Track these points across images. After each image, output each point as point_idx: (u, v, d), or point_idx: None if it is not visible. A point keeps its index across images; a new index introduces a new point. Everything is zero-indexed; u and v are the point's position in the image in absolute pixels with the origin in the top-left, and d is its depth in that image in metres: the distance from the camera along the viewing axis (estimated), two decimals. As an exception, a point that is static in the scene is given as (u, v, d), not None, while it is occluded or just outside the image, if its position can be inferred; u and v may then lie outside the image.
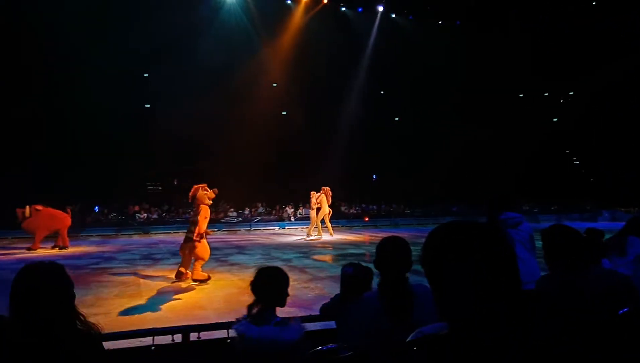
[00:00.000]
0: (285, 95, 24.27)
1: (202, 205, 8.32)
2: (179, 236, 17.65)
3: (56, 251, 13.05)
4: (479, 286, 0.95)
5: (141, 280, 8.52)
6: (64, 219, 13.45)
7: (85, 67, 18.12)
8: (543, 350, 0.92)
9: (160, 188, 24.52)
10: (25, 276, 1.82)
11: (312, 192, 15.98)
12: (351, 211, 24.53)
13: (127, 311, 6.30)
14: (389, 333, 2.42)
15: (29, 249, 12.91)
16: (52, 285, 1.81)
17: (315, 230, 16.06)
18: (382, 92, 26.82)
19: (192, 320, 5.54)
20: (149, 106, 22.85)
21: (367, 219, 23.34)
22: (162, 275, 9.08)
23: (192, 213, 8.91)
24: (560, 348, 0.94)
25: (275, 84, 24.35)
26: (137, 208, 20.96)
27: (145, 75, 22.28)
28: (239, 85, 22.05)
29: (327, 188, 15.96)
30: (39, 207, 12.98)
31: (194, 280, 8.12)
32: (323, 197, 15.75)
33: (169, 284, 8.11)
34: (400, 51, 23.69)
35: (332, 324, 3.18)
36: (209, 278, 8.22)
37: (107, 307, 6.45)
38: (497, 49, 23.61)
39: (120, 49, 18.95)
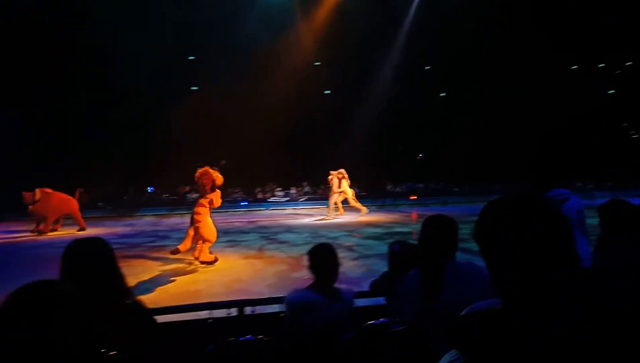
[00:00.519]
0: (325, 73, 24.12)
1: (207, 188, 8.17)
2: (228, 216, 18.19)
3: (80, 232, 13.01)
4: (534, 261, 0.95)
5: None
6: (73, 203, 13.29)
7: (128, 50, 18.52)
8: (609, 327, 0.91)
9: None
10: (76, 250, 1.90)
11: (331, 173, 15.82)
12: (397, 189, 24.33)
13: (182, 287, 6.61)
14: (431, 310, 2.45)
15: (39, 232, 12.73)
16: (101, 260, 1.90)
17: (336, 209, 15.89)
18: (428, 67, 26.11)
19: (245, 295, 5.75)
20: (195, 88, 23.34)
21: (414, 197, 23.09)
22: (214, 252, 9.42)
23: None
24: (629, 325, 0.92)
25: (318, 63, 24.22)
26: (187, 189, 21.67)
27: (191, 58, 22.72)
28: (278, 64, 22.04)
29: (339, 170, 15.62)
30: (48, 190, 12.67)
31: (201, 262, 7.98)
32: (334, 180, 15.52)
33: (222, 261, 8.40)
34: (441, 24, 22.79)
35: (381, 300, 3.23)
36: (216, 260, 8.07)
37: (164, 283, 6.78)
38: (547, 20, 22.33)
39: (165, 32, 19.35)
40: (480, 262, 1.22)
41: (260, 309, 3.21)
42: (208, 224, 8.04)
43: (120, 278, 1.97)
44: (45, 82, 18.58)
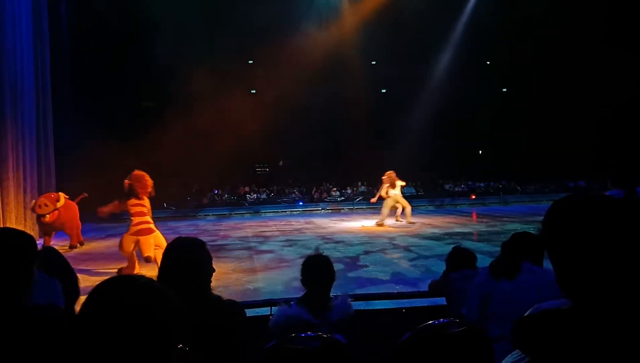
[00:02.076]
0: (381, 72, 23.92)
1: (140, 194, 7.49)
2: (287, 215, 18.51)
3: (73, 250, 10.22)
4: (614, 262, 0.91)
5: (255, 256, 9.11)
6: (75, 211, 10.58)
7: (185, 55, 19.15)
8: None
9: (267, 169, 25.71)
10: (180, 247, 2.06)
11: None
12: (456, 188, 23.71)
13: (243, 285, 6.81)
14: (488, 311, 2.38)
15: (72, 247, 10.40)
16: (203, 257, 2.04)
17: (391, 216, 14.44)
18: (488, 63, 25.23)
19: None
20: (254, 91, 23.90)
21: (474, 197, 22.41)
22: (273, 251, 9.63)
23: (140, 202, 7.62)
24: None
25: (374, 62, 24.09)
26: (247, 189, 22.26)
27: (250, 62, 23.29)
28: (334, 63, 22.05)
29: (387, 173, 14.29)
30: (64, 195, 10.16)
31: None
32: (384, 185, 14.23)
33: (280, 260, 8.56)
34: (502, 16, 21.83)
35: (440, 301, 3.18)
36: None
37: (225, 281, 7.01)
38: (619, 8, 20.82)
39: (225, 36, 19.90)
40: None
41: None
42: (147, 239, 7.39)
43: (209, 277, 2.10)
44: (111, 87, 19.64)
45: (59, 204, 9.59)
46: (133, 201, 7.48)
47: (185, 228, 14.61)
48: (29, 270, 1.58)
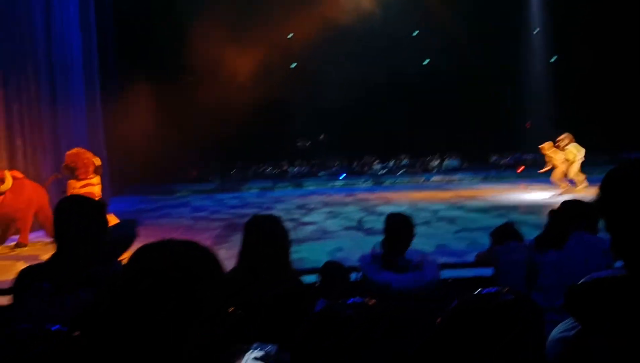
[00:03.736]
0: (424, 42, 23.25)
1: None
2: (329, 188, 18.59)
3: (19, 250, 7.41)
4: None
5: (298, 227, 9.27)
6: (43, 195, 7.88)
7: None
8: None
9: (309, 143, 25.78)
10: (260, 224, 2.14)
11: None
12: (502, 161, 23.00)
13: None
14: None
15: (19, 245, 7.50)
16: (281, 231, 2.12)
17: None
18: (536, 30, 23.99)
19: (348, 262, 5.92)
20: (294, 65, 23.78)
21: (521, 169, 21.70)
22: (316, 222, 9.76)
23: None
24: None
25: (416, 32, 23.40)
26: (287, 165, 22.54)
27: (290, 35, 23.18)
28: (386, 35, 21.57)
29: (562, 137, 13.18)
30: (18, 174, 7.55)
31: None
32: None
33: (322, 231, 8.67)
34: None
35: (487, 272, 3.17)
36: None
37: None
38: None
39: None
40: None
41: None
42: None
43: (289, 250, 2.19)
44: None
45: (2, 187, 6.95)
46: (74, 183, 6.85)
47: (231, 200, 14.97)
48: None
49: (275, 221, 2.17)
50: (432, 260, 2.75)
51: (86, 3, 13.20)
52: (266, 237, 2.08)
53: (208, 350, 0.91)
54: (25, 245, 7.37)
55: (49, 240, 7.07)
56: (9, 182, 6.93)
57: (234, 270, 2.15)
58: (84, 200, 1.78)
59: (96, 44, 14.03)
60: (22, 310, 1.62)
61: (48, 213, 7.32)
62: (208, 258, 0.96)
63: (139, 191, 16.66)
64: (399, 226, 2.76)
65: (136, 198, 15.46)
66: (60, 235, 1.71)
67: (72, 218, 1.67)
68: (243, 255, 2.11)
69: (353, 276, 3.08)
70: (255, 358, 1.23)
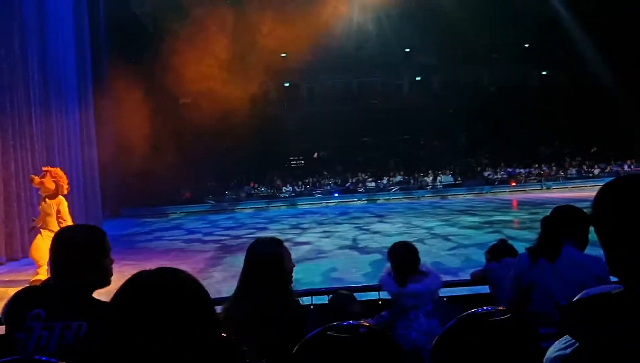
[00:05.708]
0: (418, 60, 23.54)
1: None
2: (323, 207, 18.56)
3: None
4: None
5: (292, 248, 9.20)
6: None
7: None
8: None
9: (302, 162, 25.84)
10: (260, 247, 2.12)
11: None
12: (496, 176, 23.14)
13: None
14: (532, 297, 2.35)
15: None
16: (283, 254, 2.10)
17: None
18: (526, 45, 24.39)
19: (342, 283, 5.87)
20: (288, 84, 23.96)
21: (514, 184, 21.83)
22: (310, 242, 9.70)
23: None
24: None
25: (408, 50, 23.71)
26: (281, 184, 22.48)
27: (283, 55, 23.39)
28: (368, 52, 21.80)
29: None
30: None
31: None
32: None
33: (317, 251, 8.61)
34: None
35: (483, 289, 3.14)
36: None
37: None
38: None
39: None
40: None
41: (358, 297, 3.26)
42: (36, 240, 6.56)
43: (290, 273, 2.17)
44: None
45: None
46: (60, 199, 6.72)
47: (224, 221, 14.89)
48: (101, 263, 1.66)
49: (277, 245, 2.17)
50: (432, 268, 2.86)
51: (80, 30, 13.35)
52: (269, 261, 2.07)
53: None
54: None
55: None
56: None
57: (235, 293, 2.14)
58: (88, 228, 1.76)
59: (90, 64, 14.10)
60: (13, 339, 1.57)
61: None
62: (195, 286, 1.00)
63: (132, 214, 16.58)
64: (403, 256, 2.79)
65: (130, 221, 15.36)
66: (56, 261, 1.68)
67: (72, 247, 1.65)
68: (245, 278, 2.10)
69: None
70: None
